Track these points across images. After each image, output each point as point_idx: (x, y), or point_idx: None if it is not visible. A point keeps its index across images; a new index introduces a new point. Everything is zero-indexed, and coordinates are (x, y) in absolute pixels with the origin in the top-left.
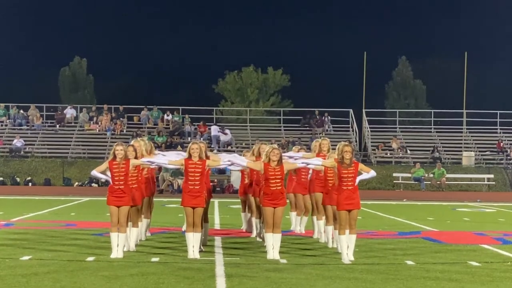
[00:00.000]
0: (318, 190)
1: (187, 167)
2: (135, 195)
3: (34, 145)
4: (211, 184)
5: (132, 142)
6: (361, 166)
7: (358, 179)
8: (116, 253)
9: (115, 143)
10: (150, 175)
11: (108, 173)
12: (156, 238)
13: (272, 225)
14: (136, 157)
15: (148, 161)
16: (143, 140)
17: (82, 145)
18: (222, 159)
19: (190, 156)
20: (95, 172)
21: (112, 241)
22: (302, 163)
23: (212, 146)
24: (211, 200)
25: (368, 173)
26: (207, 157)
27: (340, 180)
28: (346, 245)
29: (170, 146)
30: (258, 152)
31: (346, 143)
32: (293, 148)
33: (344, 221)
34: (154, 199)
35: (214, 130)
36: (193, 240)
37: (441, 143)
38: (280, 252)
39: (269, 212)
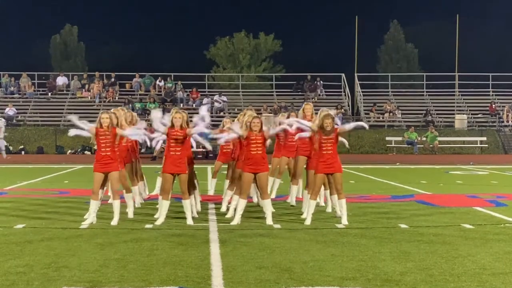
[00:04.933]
0: (302, 154)
1: (170, 135)
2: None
3: (26, 113)
4: (202, 150)
5: (112, 110)
6: (340, 129)
7: (352, 125)
8: (92, 218)
9: (101, 112)
10: (130, 143)
11: (84, 128)
12: (149, 205)
13: (245, 192)
14: (116, 125)
15: (132, 133)
16: (123, 109)
17: (75, 113)
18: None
19: (172, 124)
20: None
21: (91, 207)
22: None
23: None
24: (205, 166)
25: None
26: (188, 126)
27: (320, 145)
28: (313, 209)
29: (162, 113)
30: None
31: (327, 112)
32: (280, 115)
33: (318, 186)
34: (148, 166)
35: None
36: (165, 207)
37: (433, 106)
38: (272, 218)
39: (247, 178)
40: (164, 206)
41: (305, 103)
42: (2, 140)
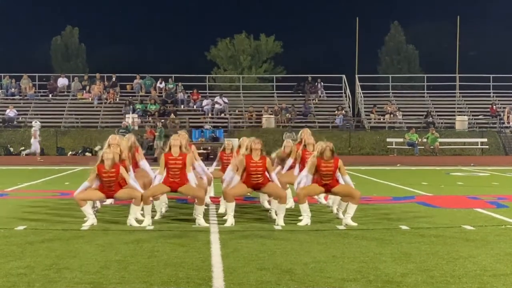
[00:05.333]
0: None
1: (167, 162)
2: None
3: (27, 115)
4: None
5: (109, 140)
6: (340, 163)
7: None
8: (93, 220)
9: (103, 152)
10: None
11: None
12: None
13: (229, 194)
14: (119, 156)
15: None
16: (121, 136)
17: (75, 114)
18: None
19: (170, 149)
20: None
21: (85, 212)
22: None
23: (205, 115)
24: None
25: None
26: (187, 150)
27: (320, 175)
28: (307, 212)
29: (163, 114)
30: (239, 146)
31: (327, 146)
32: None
33: (308, 191)
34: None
35: (207, 103)
36: (148, 209)
37: (434, 107)
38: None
39: (241, 185)
40: (146, 208)
41: (302, 130)
42: (37, 142)
